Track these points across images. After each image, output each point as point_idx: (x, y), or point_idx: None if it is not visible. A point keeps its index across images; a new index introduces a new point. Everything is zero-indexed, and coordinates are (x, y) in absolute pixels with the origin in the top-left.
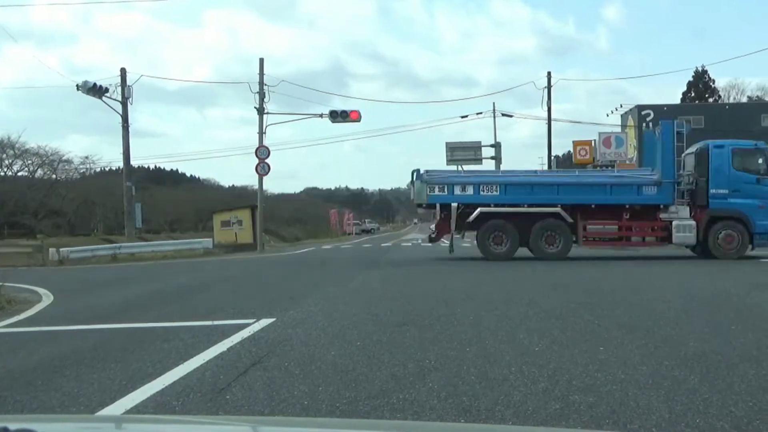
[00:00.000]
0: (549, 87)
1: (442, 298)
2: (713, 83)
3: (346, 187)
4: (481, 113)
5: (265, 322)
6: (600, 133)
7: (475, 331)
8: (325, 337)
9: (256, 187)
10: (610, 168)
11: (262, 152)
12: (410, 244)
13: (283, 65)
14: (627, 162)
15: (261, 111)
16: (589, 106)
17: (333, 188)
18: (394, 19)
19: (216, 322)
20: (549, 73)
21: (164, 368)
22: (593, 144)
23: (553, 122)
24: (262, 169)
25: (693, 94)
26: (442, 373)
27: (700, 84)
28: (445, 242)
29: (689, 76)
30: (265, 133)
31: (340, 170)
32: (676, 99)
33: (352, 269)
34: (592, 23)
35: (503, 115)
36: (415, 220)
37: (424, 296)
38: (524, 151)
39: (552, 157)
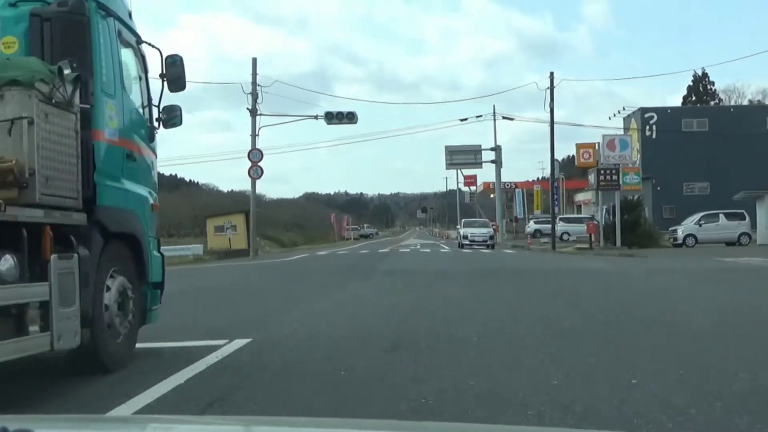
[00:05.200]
0: (552, 89)
1: (440, 313)
2: (713, 86)
3: (345, 191)
4: (481, 116)
5: (238, 343)
6: (604, 136)
7: (479, 358)
8: (304, 365)
9: None
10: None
11: (255, 155)
12: (408, 250)
13: (264, 66)
14: (631, 165)
15: (254, 112)
16: (567, 111)
17: (332, 193)
18: (378, 22)
19: (182, 344)
20: (552, 74)
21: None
22: (597, 147)
23: (541, 126)
24: (255, 172)
25: (694, 98)
26: (440, 417)
27: (700, 87)
28: (445, 248)
29: (682, 78)
30: (258, 135)
31: (339, 175)
32: (667, 101)
33: (344, 278)
34: (575, 24)
35: (504, 118)
36: (412, 228)
37: (420, 311)
38: (504, 155)
39: (554, 161)
